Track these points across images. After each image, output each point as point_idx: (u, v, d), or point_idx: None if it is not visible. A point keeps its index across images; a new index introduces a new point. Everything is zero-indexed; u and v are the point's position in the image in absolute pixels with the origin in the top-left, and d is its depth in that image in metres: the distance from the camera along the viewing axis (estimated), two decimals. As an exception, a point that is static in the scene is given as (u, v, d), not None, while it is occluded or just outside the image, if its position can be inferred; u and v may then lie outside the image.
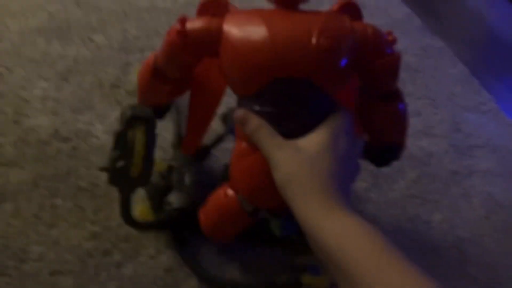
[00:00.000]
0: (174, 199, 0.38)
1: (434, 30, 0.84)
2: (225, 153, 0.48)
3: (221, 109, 0.41)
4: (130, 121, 0.32)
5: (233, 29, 0.30)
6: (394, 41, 0.33)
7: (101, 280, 0.36)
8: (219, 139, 0.47)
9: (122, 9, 0.64)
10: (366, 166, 0.50)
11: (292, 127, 0.31)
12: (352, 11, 0.34)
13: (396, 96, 0.36)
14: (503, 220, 0.47)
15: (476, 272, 0.42)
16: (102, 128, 0.47)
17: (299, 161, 0.29)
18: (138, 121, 0.32)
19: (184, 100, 0.39)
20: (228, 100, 0.37)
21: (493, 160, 0.55)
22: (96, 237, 0.38)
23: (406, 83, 0.65)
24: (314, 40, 0.29)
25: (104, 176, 0.33)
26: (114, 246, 0.37)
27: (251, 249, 0.40)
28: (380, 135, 0.36)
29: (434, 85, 0.66)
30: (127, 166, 0.32)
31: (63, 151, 0.44)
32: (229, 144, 0.44)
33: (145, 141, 0.32)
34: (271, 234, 0.36)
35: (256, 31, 0.30)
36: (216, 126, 0.45)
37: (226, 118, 0.50)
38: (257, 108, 0.31)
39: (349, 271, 0.25)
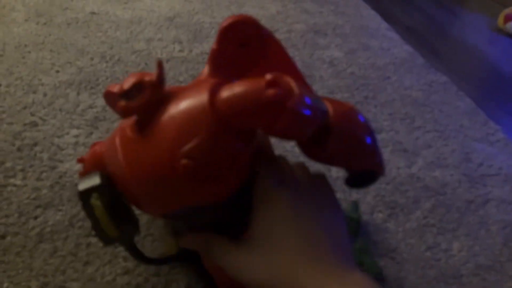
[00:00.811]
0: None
1: (437, 67, 0.88)
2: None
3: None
4: (81, 197, 0.31)
5: (106, 159, 0.31)
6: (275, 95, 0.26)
7: (134, 314, 0.37)
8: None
9: (143, 61, 0.69)
10: (382, 198, 0.52)
11: (232, 224, 0.29)
12: (247, 34, 0.30)
13: (326, 133, 0.29)
14: (521, 246, 0.48)
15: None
16: (130, 170, 0.51)
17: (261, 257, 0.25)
18: (86, 193, 0.31)
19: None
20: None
21: (506, 189, 0.56)
22: (129, 272, 0.39)
23: (415, 117, 0.68)
24: (176, 166, 0.27)
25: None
26: (146, 280, 0.39)
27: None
28: (344, 167, 0.31)
29: (442, 119, 0.69)
30: (103, 233, 0.32)
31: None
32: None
33: (102, 207, 0.31)
34: None
35: (117, 164, 0.29)
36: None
37: None
38: (182, 224, 0.32)
39: None
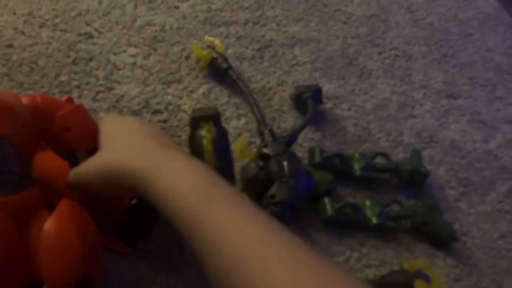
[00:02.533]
0: (277, 191, 0.37)
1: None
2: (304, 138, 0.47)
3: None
4: (193, 122, 0.33)
5: None
6: (69, 101, 0.35)
7: None
8: (304, 126, 0.45)
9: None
10: (455, 173, 0.48)
11: None
12: None
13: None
14: None
15: None
16: (190, 103, 0.47)
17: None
18: (201, 121, 0.32)
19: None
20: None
21: None
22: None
23: (497, 85, 0.61)
24: None
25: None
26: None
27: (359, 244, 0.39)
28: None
29: (527, 91, 0.62)
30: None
31: (155, 123, 0.44)
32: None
33: (211, 138, 0.32)
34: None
35: None
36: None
37: (300, 97, 0.48)
38: None
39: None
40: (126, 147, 0.30)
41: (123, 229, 0.34)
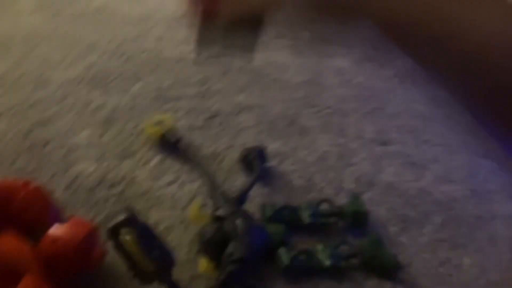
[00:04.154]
0: (233, 250, 0.40)
1: (437, 82, 0.90)
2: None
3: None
4: (110, 235, 0.32)
5: None
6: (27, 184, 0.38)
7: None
8: (252, 184, 0.49)
9: (154, 62, 0.68)
10: (394, 211, 0.52)
11: None
12: None
13: None
14: (529, 263, 0.49)
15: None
16: (144, 174, 0.50)
17: None
18: (117, 229, 0.32)
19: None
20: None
21: (510, 205, 0.58)
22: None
23: (422, 131, 0.69)
24: None
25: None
26: None
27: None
28: None
29: (448, 133, 0.70)
30: (139, 269, 0.32)
31: (110, 197, 0.46)
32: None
33: (133, 241, 0.32)
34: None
35: None
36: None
37: (247, 158, 0.53)
38: None
39: None
40: None
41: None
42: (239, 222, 0.42)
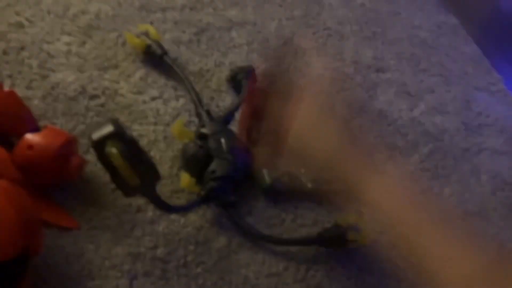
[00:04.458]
0: (216, 167, 0.39)
1: (449, 8, 0.84)
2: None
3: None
4: (95, 147, 0.31)
5: None
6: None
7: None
8: (239, 105, 0.48)
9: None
10: (382, 139, 0.52)
11: None
12: None
13: None
14: (508, 196, 0.50)
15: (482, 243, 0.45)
16: (128, 87, 0.48)
17: None
18: (100, 142, 0.31)
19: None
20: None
21: (500, 140, 0.57)
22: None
23: (421, 59, 0.66)
24: None
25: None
26: (146, 204, 0.39)
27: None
28: None
29: (448, 63, 0.67)
30: (123, 181, 0.31)
31: (91, 108, 0.44)
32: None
33: (120, 154, 0.31)
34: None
35: None
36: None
37: (236, 78, 0.51)
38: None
39: None
40: None
41: None
42: (223, 140, 0.41)
